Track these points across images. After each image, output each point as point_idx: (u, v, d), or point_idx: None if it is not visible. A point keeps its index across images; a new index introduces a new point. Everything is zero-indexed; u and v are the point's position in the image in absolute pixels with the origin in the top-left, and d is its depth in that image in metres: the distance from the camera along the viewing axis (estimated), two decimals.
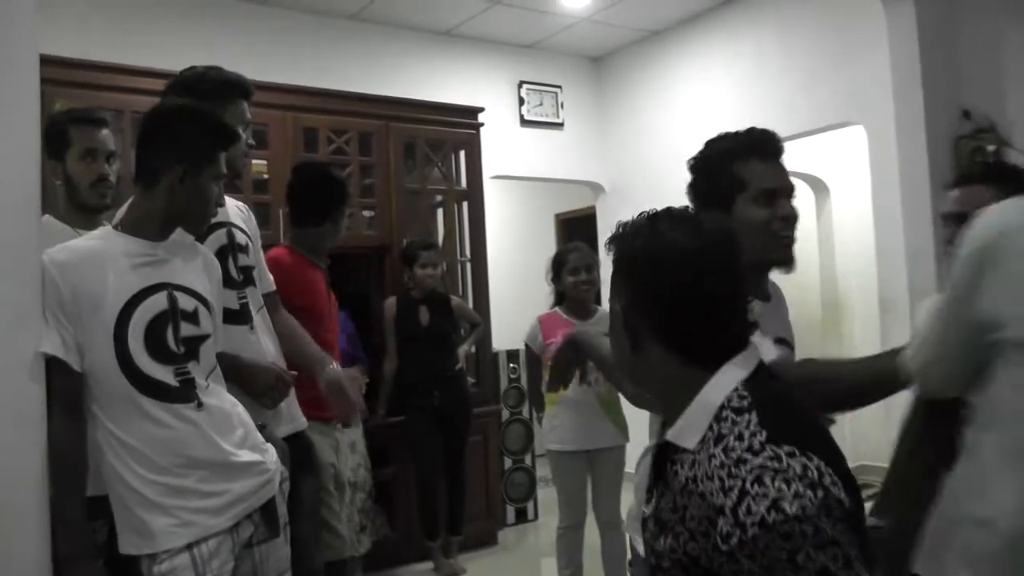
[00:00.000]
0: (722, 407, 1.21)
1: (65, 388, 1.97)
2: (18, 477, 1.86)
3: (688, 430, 1.23)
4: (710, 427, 1.20)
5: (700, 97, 6.36)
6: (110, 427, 1.99)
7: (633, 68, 6.89)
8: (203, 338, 2.13)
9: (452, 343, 4.98)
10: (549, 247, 7.88)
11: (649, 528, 1.33)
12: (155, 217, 2.12)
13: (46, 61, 4.06)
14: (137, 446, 1.98)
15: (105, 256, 2.04)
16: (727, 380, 1.23)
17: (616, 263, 1.34)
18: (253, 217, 2.80)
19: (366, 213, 5.01)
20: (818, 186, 7.02)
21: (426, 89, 5.72)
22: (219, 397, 2.13)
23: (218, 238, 2.52)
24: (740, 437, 1.15)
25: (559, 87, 6.85)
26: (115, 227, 2.15)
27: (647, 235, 1.32)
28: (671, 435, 1.26)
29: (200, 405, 2.05)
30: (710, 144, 1.95)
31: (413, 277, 4.81)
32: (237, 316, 2.48)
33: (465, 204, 5.41)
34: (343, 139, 4.87)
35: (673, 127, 6.55)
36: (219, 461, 2.05)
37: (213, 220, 2.49)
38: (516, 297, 6.68)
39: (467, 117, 5.43)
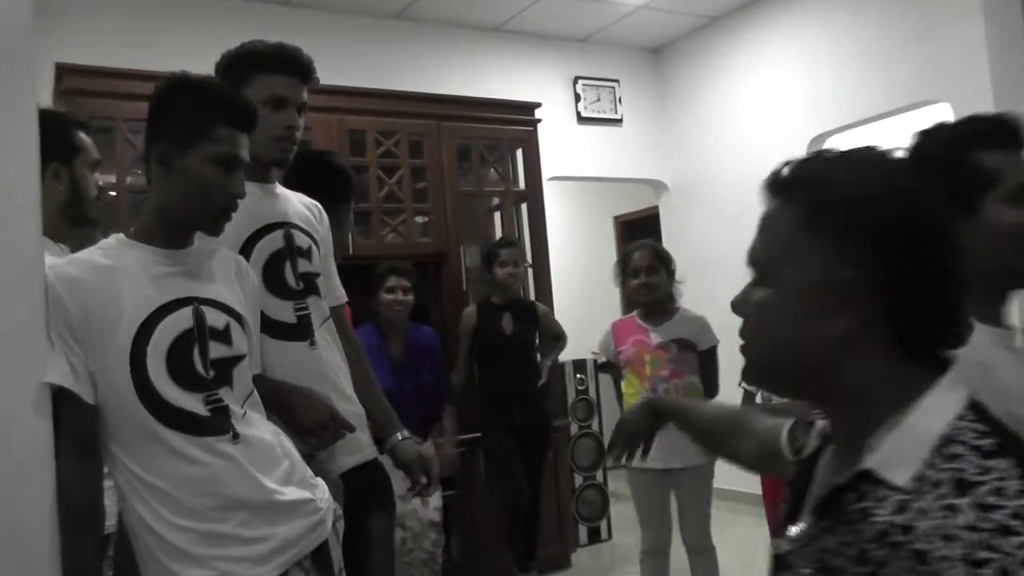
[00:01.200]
0: (948, 440, 0.86)
1: (75, 423, 1.68)
2: (25, 525, 1.58)
3: (895, 460, 0.88)
4: (929, 463, 0.85)
5: (767, 84, 5.98)
6: (131, 467, 1.71)
7: (694, 58, 6.53)
8: (236, 359, 1.84)
9: (534, 356, 4.61)
10: (609, 251, 7.56)
11: (796, 568, 0.98)
12: (156, 218, 1.84)
13: (71, 70, 3.95)
14: (164, 487, 1.70)
15: (119, 269, 1.76)
16: (945, 403, 0.89)
17: (811, 213, 0.95)
18: (326, 218, 2.45)
19: (419, 219, 4.72)
20: None
21: (476, 88, 5.42)
22: (258, 426, 1.85)
23: (273, 240, 2.20)
24: (1000, 493, 0.80)
25: (616, 81, 6.51)
26: (128, 235, 1.85)
27: (860, 169, 0.95)
28: (876, 463, 0.89)
29: (236, 437, 1.77)
30: (931, 133, 1.48)
31: (494, 279, 4.44)
32: (294, 331, 2.17)
33: (524, 206, 5.09)
34: (392, 141, 4.59)
35: (739, 119, 6.19)
36: (261, 501, 1.76)
37: (270, 220, 2.21)
38: (577, 305, 6.34)
39: (523, 113, 5.12)
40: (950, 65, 4.78)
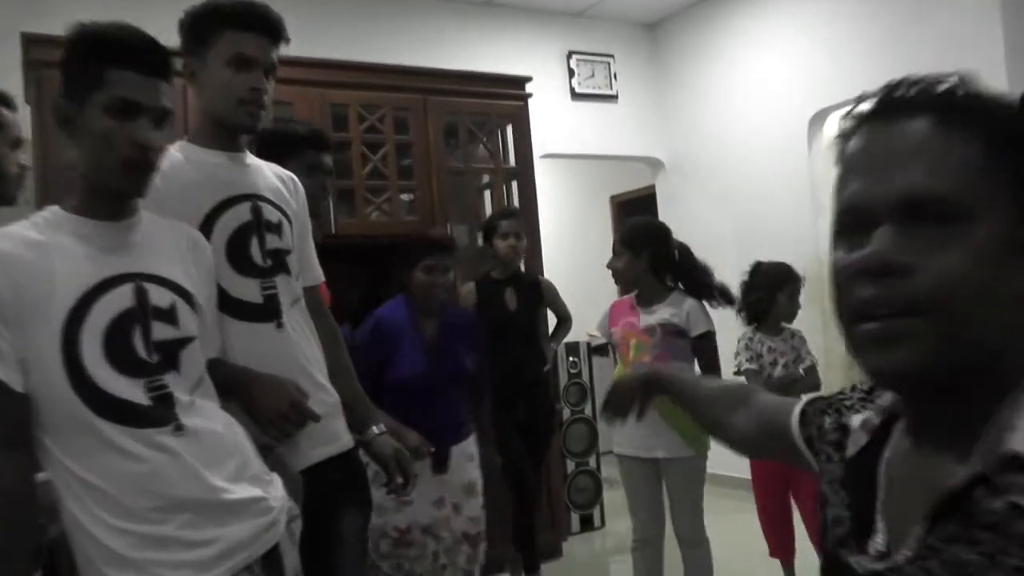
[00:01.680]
0: None
1: (3, 414, 1.51)
2: None
3: None
4: None
5: (767, 60, 5.80)
6: (65, 463, 1.54)
7: (691, 33, 6.34)
8: (184, 341, 1.67)
9: (539, 337, 4.39)
10: (605, 232, 7.38)
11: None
12: (83, 188, 1.67)
13: (37, 40, 3.75)
14: (100, 485, 1.53)
15: (51, 244, 1.59)
16: None
17: (998, 148, 0.77)
18: (302, 192, 2.29)
19: (404, 196, 4.55)
20: None
21: (465, 63, 5.23)
22: (208, 416, 1.68)
23: (239, 213, 2.04)
24: None
25: (611, 56, 6.33)
26: (65, 208, 1.68)
27: None
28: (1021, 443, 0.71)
29: (180, 428, 1.59)
30: None
31: (495, 253, 4.19)
32: (260, 311, 2.02)
33: (514, 184, 4.92)
34: (376, 116, 4.40)
35: (738, 95, 6.01)
36: (207, 500, 1.59)
37: (236, 192, 2.05)
38: (571, 286, 6.16)
39: (513, 88, 4.93)
40: (959, 38, 4.60)
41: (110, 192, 1.66)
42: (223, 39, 2.01)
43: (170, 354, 1.64)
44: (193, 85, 2.11)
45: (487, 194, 5.05)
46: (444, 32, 5.57)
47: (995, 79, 4.39)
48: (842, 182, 0.82)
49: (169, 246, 1.74)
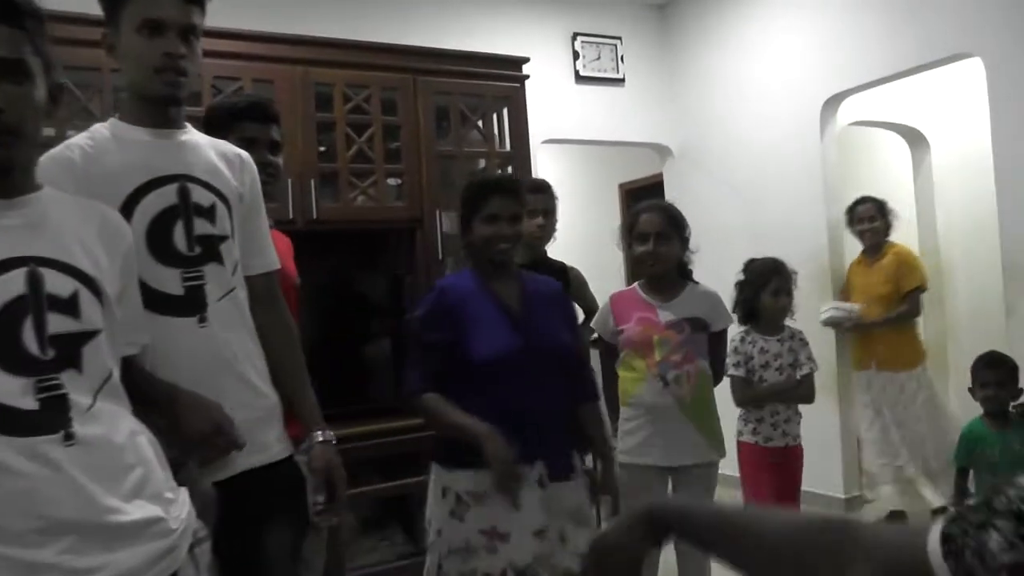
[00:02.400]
0: None
1: None
2: None
3: None
4: None
5: (780, 43, 5.54)
6: None
7: (702, 15, 6.09)
8: (87, 336, 1.49)
9: None
10: (613, 220, 7.14)
11: None
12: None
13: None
14: None
15: None
16: None
17: None
18: (252, 170, 2.11)
19: (391, 181, 4.34)
20: (914, 138, 6.19)
21: (465, 43, 5.00)
22: (109, 423, 1.48)
23: (162, 196, 1.87)
24: None
25: (618, 39, 6.09)
26: None
27: None
28: None
29: (70, 437, 1.40)
30: None
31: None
32: (179, 304, 1.84)
33: (509, 170, 4.70)
34: (362, 96, 4.20)
35: (750, 80, 5.76)
36: (94, 522, 1.40)
37: (161, 173, 1.87)
38: None
39: (510, 69, 4.70)
40: (982, 17, 4.35)
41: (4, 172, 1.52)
42: (132, 4, 1.84)
43: (69, 350, 1.46)
44: (113, 57, 1.93)
45: None
46: (443, 10, 5.35)
47: (1019, 57, 4.15)
48: None
49: (74, 227, 1.56)
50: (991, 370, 3.53)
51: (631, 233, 3.31)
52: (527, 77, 4.73)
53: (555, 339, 2.65)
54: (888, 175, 6.31)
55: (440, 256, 4.31)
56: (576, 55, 5.90)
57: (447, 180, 4.48)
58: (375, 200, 4.22)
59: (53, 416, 1.41)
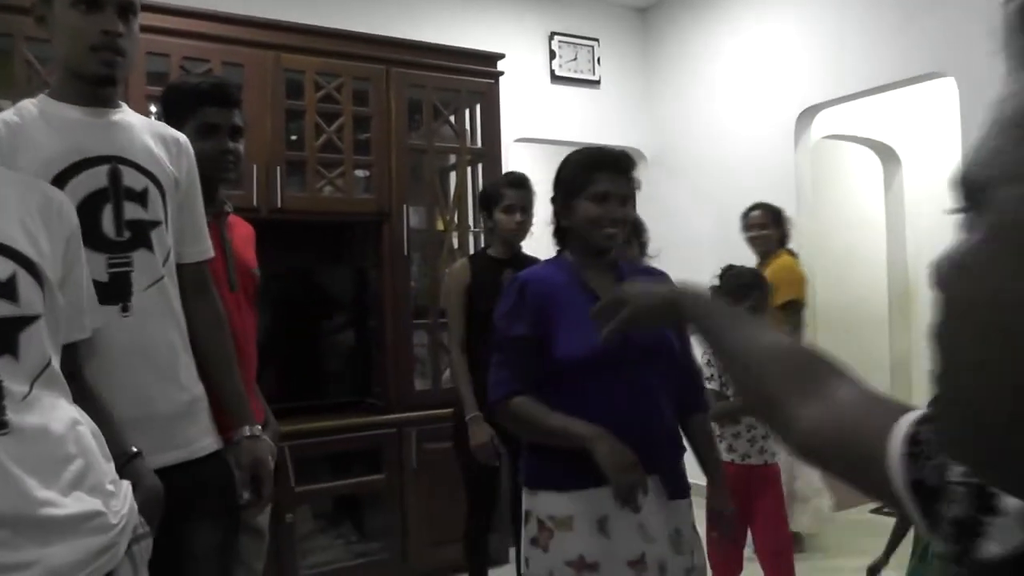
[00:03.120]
0: None
1: None
2: None
3: None
4: None
5: (759, 54, 5.52)
6: None
7: (682, 21, 6.06)
8: (24, 321, 1.40)
9: None
10: None
11: None
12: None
13: None
14: None
15: None
16: None
17: None
18: (190, 155, 2.04)
19: (360, 173, 4.27)
20: (886, 154, 6.20)
21: (439, 37, 4.92)
22: (46, 413, 1.40)
23: (92, 178, 1.80)
24: None
25: (596, 40, 6.04)
26: None
27: None
28: None
29: (3, 426, 1.32)
30: None
31: (494, 227, 3.56)
32: (103, 292, 1.76)
33: (480, 167, 4.64)
34: (334, 85, 4.12)
35: (727, 89, 5.73)
36: (26, 515, 1.32)
37: (92, 153, 1.80)
38: None
39: (484, 64, 4.64)
40: (958, 38, 4.34)
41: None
42: None
43: (4, 336, 1.38)
44: (43, 29, 1.85)
45: (452, 177, 4.77)
46: (420, 2, 5.27)
47: (992, 78, 4.14)
48: None
49: (14, 206, 1.47)
50: None
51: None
52: (502, 74, 4.68)
53: (656, 335, 2.25)
54: (858, 190, 6.32)
55: (406, 251, 4.24)
56: (552, 54, 5.84)
57: (416, 175, 4.41)
58: (342, 192, 4.14)
59: None
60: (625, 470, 2.06)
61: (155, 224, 1.86)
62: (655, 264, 3.12)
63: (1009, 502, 0.56)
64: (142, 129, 1.92)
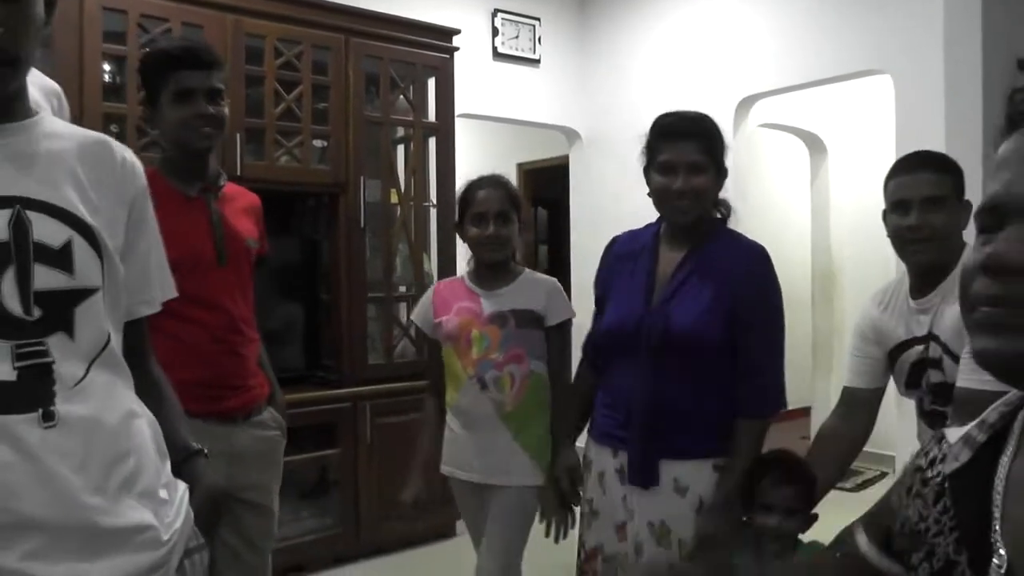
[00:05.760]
0: None
1: None
2: None
3: None
4: None
5: (698, 41, 5.62)
6: None
7: (622, 5, 6.11)
8: (80, 294, 1.24)
9: None
10: None
11: None
12: None
13: None
14: None
15: None
16: None
17: None
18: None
19: (317, 143, 4.21)
20: (814, 144, 6.41)
21: (386, 7, 4.88)
22: (101, 400, 1.25)
23: None
24: None
25: (537, 19, 6.06)
26: None
27: None
28: None
29: (50, 417, 1.17)
30: None
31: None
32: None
33: (432, 141, 4.63)
34: (294, 52, 4.04)
35: (665, 74, 5.82)
36: (68, 522, 1.16)
37: None
38: (467, 254, 5.92)
39: (440, 39, 4.63)
40: (897, 37, 4.53)
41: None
42: None
43: (57, 310, 1.22)
44: None
45: (401, 149, 4.74)
46: None
47: (927, 77, 4.33)
48: (991, 178, 0.83)
49: (71, 163, 1.30)
50: None
51: (464, 212, 2.69)
52: (457, 49, 4.66)
53: (682, 324, 2.13)
54: (786, 177, 6.52)
55: (362, 224, 4.20)
56: (495, 32, 5.83)
57: (371, 146, 4.37)
58: (300, 162, 4.08)
59: (33, 389, 1.17)
60: (548, 512, 2.50)
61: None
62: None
63: (951, 437, 0.90)
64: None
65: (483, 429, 2.59)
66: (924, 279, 2.14)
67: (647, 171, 2.28)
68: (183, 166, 2.35)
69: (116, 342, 1.33)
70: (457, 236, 2.84)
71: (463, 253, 4.36)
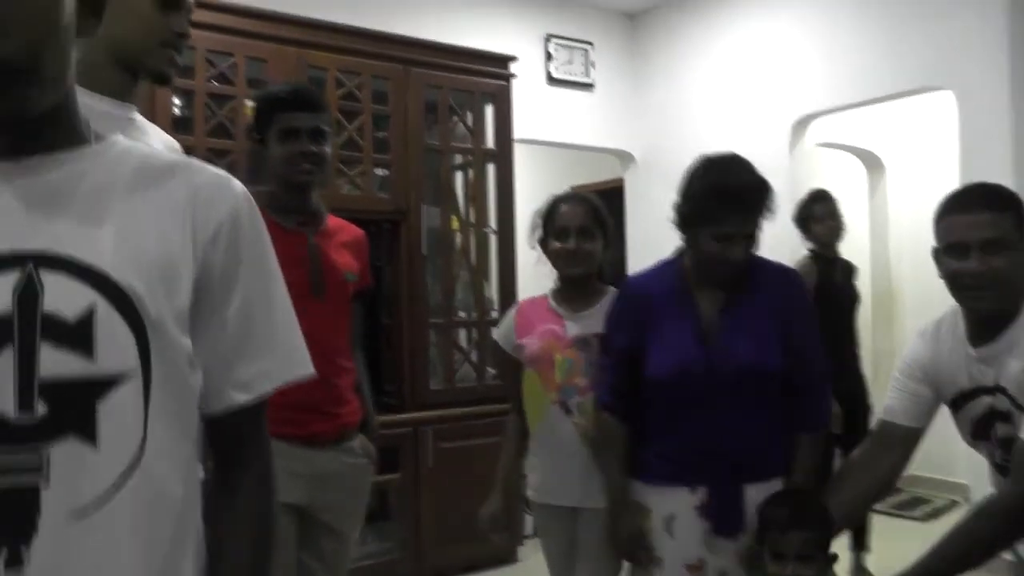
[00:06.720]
0: None
1: None
2: None
3: None
4: None
5: (751, 60, 5.61)
6: None
7: (673, 26, 6.12)
8: (104, 384, 0.90)
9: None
10: None
11: None
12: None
13: None
14: None
15: None
16: None
17: None
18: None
19: (378, 171, 4.27)
20: (871, 162, 6.35)
21: (443, 36, 4.93)
22: (118, 538, 0.91)
23: None
24: None
25: (590, 44, 6.10)
26: None
27: None
28: None
29: (16, 561, 0.85)
30: None
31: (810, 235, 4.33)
32: None
33: (491, 167, 4.67)
34: (355, 83, 4.11)
35: (719, 94, 5.81)
36: None
37: None
38: (527, 279, 5.95)
39: (497, 66, 4.68)
40: (959, 52, 4.47)
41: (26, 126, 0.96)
42: None
43: (72, 406, 0.89)
44: None
45: (459, 176, 4.79)
46: (424, 2, 5.28)
47: (992, 93, 4.28)
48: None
49: (122, 200, 0.97)
50: None
51: (548, 227, 2.67)
52: (513, 76, 4.71)
53: (746, 357, 2.16)
54: (844, 197, 6.45)
55: (423, 249, 4.25)
56: (549, 57, 5.88)
57: (431, 173, 4.43)
58: (362, 190, 4.15)
59: (4, 518, 0.86)
60: (622, 552, 2.33)
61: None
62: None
63: None
64: (150, 133, 1.58)
65: (570, 453, 2.54)
66: (984, 326, 1.97)
67: (689, 226, 2.23)
68: (285, 200, 2.47)
69: (169, 453, 0.96)
70: (538, 254, 2.76)
71: (524, 278, 4.40)
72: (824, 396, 2.30)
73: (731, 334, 2.18)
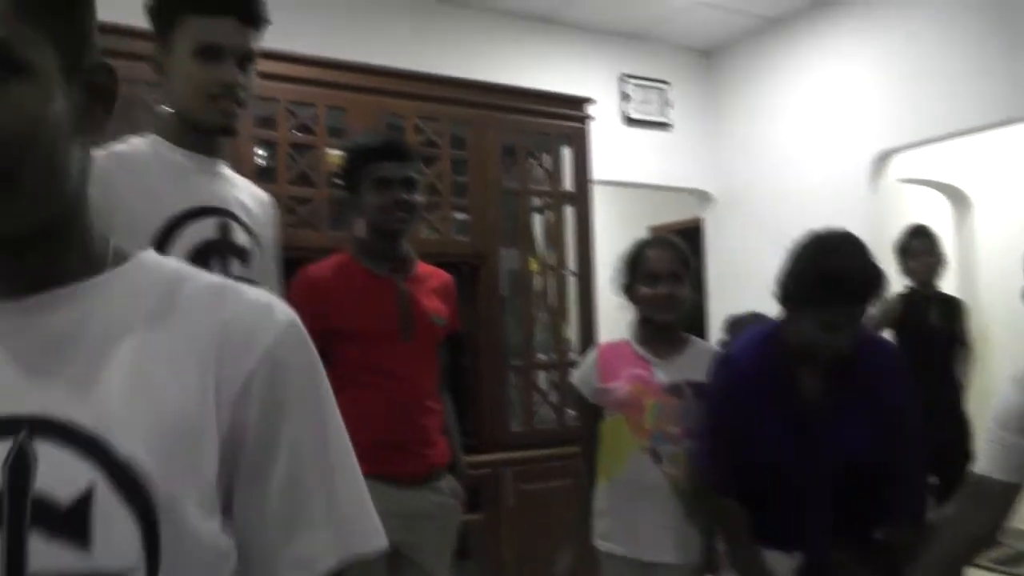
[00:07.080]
0: None
1: None
2: None
3: None
4: None
5: (829, 94, 5.57)
6: None
7: (749, 62, 6.12)
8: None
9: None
10: None
11: None
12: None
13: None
14: None
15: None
16: None
17: None
18: (276, 217, 2.06)
19: (459, 215, 4.32)
20: (958, 198, 6.22)
21: (518, 80, 5.01)
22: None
23: (202, 229, 1.75)
24: None
25: (667, 83, 6.11)
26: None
27: None
28: None
29: None
30: None
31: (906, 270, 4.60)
32: None
33: (569, 208, 4.69)
34: (433, 129, 4.19)
35: (797, 130, 5.78)
36: None
37: (202, 203, 1.76)
38: (606, 321, 5.94)
39: (574, 108, 4.71)
40: None
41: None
42: (186, 25, 1.75)
43: None
44: (159, 75, 1.83)
45: (537, 218, 4.82)
46: (499, 47, 5.37)
47: None
48: None
49: (136, 337, 0.81)
50: None
51: (635, 271, 2.64)
52: (591, 117, 4.74)
53: (857, 451, 2.12)
54: None
55: (501, 292, 4.28)
56: (625, 97, 5.91)
57: (510, 216, 4.47)
58: (441, 234, 4.20)
59: None
60: None
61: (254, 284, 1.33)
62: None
63: None
64: (241, 185, 1.94)
65: (653, 503, 2.48)
66: None
67: (795, 310, 2.15)
68: (376, 247, 2.59)
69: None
70: (623, 299, 2.73)
71: (604, 320, 4.40)
72: (920, 488, 2.21)
73: (834, 426, 2.12)
